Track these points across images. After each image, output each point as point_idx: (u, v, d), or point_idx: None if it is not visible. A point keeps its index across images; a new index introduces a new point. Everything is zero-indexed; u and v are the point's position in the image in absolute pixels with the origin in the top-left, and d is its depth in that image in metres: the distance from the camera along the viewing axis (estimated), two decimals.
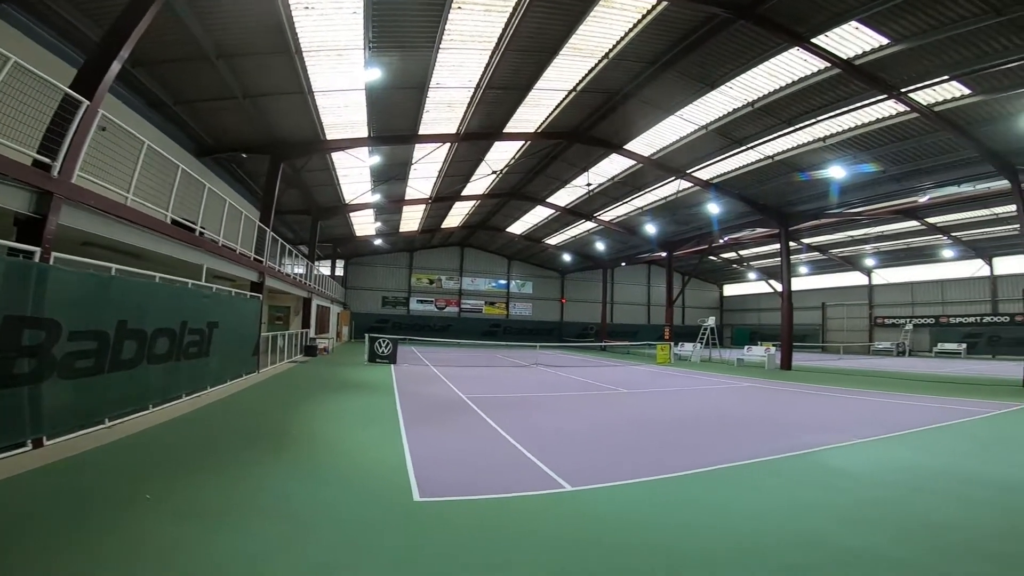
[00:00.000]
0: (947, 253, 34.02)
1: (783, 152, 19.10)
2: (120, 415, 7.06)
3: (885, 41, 12.49)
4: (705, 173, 22.15)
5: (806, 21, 12.31)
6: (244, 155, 19.03)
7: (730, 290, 56.29)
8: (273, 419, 7.96)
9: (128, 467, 5.08)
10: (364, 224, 34.42)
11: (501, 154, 23.26)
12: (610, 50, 14.53)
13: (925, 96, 14.10)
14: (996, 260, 33.43)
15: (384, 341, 18.92)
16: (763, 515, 4.25)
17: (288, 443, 6.36)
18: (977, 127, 14.70)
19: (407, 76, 15.02)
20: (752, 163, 20.50)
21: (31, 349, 5.36)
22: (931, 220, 28.42)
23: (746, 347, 26.67)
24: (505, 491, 4.68)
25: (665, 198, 26.25)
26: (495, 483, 4.94)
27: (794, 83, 14.89)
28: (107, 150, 7.69)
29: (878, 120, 15.89)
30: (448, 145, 21.10)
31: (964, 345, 33.33)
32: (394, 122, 18.31)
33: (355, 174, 23.58)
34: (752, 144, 18.67)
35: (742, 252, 34.94)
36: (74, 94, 6.61)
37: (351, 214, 30.25)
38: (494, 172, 25.01)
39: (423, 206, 30.63)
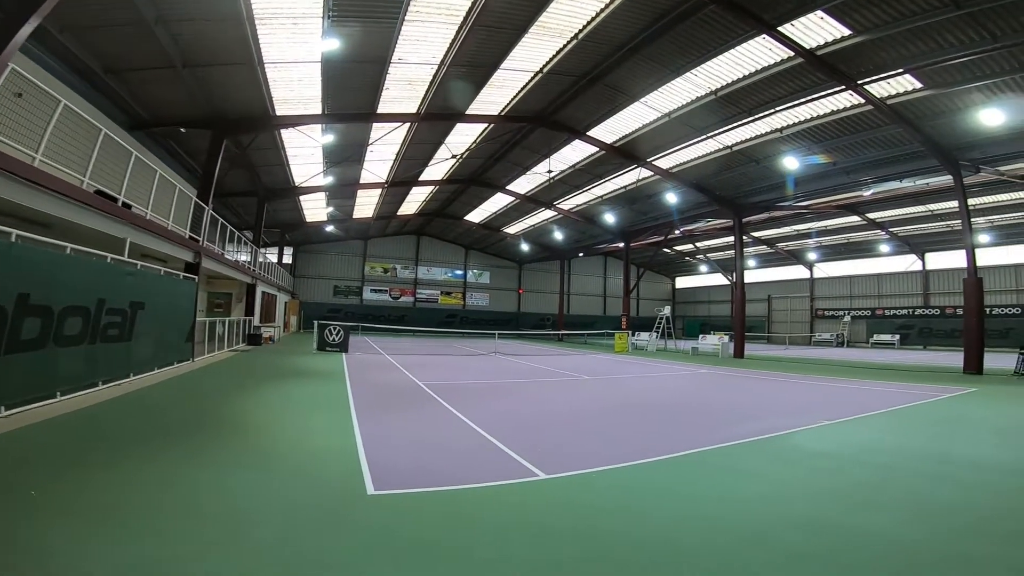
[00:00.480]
0: (884, 248, 35.94)
1: (741, 142, 19.34)
2: (19, 403, 6.03)
3: (847, 32, 12.66)
4: (665, 162, 22.21)
5: (774, 8, 12.29)
6: (183, 130, 17.49)
7: (682, 282, 57.68)
8: (206, 408, 7.08)
9: (17, 460, 4.20)
10: (315, 209, 32.71)
11: (462, 137, 22.47)
12: (580, 30, 14.09)
13: (879, 89, 14.47)
14: (928, 255, 35.61)
15: (335, 328, 17.88)
16: (759, 499, 3.95)
17: (221, 434, 5.57)
18: (926, 121, 15.25)
19: (368, 49, 14.03)
20: (711, 153, 20.68)
21: None
22: (871, 215, 29.84)
23: (700, 336, 27.21)
24: (473, 481, 4.14)
25: (625, 187, 26.25)
26: (461, 473, 4.40)
27: (757, 72, 14.97)
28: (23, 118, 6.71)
29: (833, 112, 16.26)
30: (407, 126, 20.15)
31: (898, 336, 35.37)
32: (351, 99, 17.20)
33: (306, 154, 22.18)
34: (712, 133, 18.78)
35: (696, 244, 35.67)
36: None
37: (301, 198, 28.58)
38: (454, 156, 24.19)
39: (379, 191, 29.39)
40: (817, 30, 12.90)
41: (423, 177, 27.70)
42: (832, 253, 40.02)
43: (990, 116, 14.05)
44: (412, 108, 18.61)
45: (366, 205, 33.23)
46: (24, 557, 2.60)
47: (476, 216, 37.91)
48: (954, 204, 25.97)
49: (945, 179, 20.21)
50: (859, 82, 14.15)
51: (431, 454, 5.02)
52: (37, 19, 7.40)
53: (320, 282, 43.34)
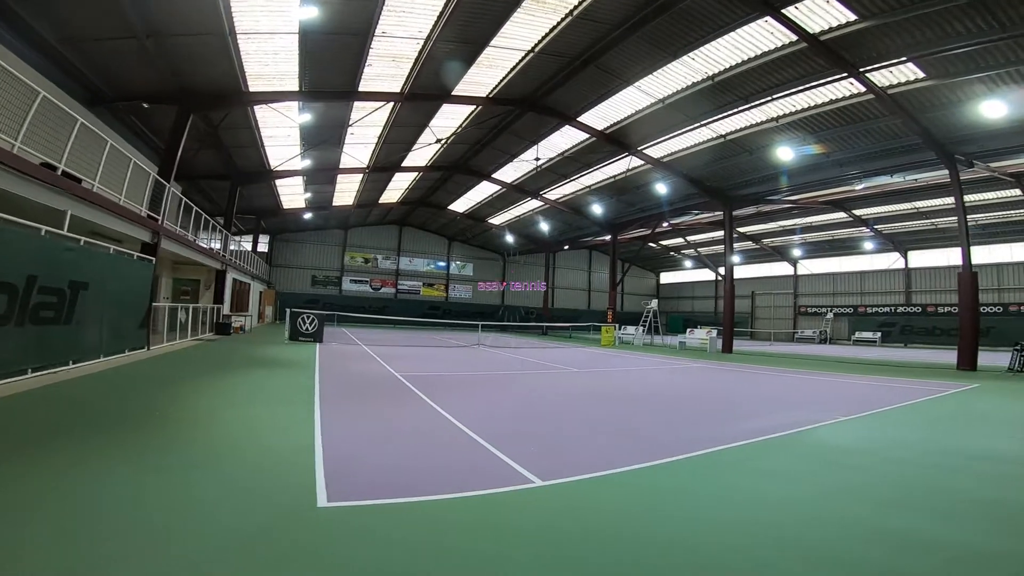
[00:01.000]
0: (867, 246, 36.03)
1: (736, 131, 18.78)
2: None
3: (853, 17, 12.15)
4: (657, 151, 21.59)
5: None
6: (146, 105, 16.24)
7: (666, 278, 57.54)
8: (140, 401, 6.15)
9: None
10: (293, 195, 31.35)
11: (448, 121, 21.53)
12: (576, 5, 13.33)
13: (880, 77, 14.00)
14: (911, 253, 35.79)
15: (308, 317, 16.85)
16: (790, 502, 3.38)
17: (148, 430, 4.69)
18: (925, 113, 14.84)
19: (349, 19, 13.03)
20: (704, 141, 20.10)
21: None
22: (858, 212, 29.73)
23: (688, 330, 26.78)
24: (454, 489, 3.38)
25: (614, 177, 25.58)
26: (439, 478, 3.62)
27: (757, 57, 14.37)
28: None
29: (831, 101, 15.78)
30: (391, 106, 19.14)
31: (879, 334, 35.51)
32: (330, 76, 16.17)
33: (282, 135, 21.02)
34: (707, 121, 18.20)
35: (684, 237, 35.35)
36: None
37: (277, 182, 27.28)
38: (439, 141, 23.20)
39: (360, 176, 28.25)
40: (822, 14, 12.35)
41: (406, 163, 26.64)
42: (816, 250, 40.09)
43: (991, 108, 13.71)
44: (396, 87, 17.63)
45: (346, 192, 32.03)
46: None
47: (460, 206, 36.95)
48: (940, 202, 26.18)
49: (936, 175, 20.12)
50: (861, 70, 13.65)
51: (403, 455, 4.23)
52: None
53: (298, 272, 41.96)
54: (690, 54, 14.80)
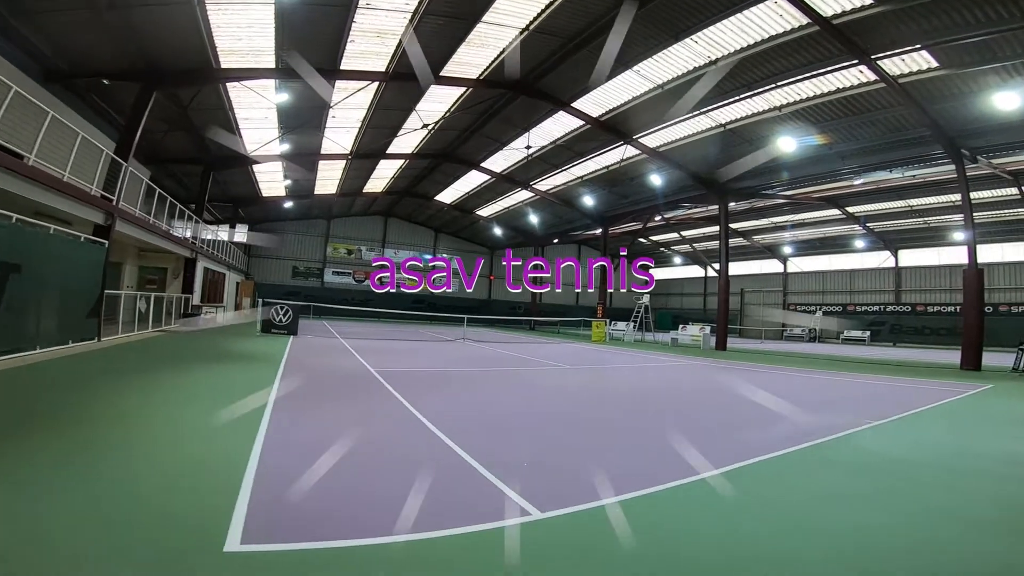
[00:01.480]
0: (858, 244, 35.73)
1: (736, 120, 18.04)
2: None
3: (869, 1, 11.45)
4: (653, 140, 20.81)
5: None
6: (106, 82, 15.10)
7: (655, 274, 57.00)
8: (57, 399, 5.15)
9: None
10: (272, 183, 29.99)
11: (435, 104, 20.49)
12: None
13: (892, 66, 13.33)
14: (901, 252, 35.54)
15: (282, 308, 15.78)
16: (875, 531, 2.67)
17: (48, 433, 3.73)
18: (935, 104, 14.23)
19: None
20: (703, 131, 19.36)
21: None
22: (851, 209, 29.30)
23: (680, 327, 26.13)
24: (424, 527, 2.48)
25: (608, 167, 24.75)
26: (405, 511, 2.68)
27: (765, 40, 13.63)
28: None
29: (838, 90, 15.10)
30: (375, 87, 18.08)
31: (868, 333, 35.25)
32: (310, 52, 15.00)
33: (259, 117, 19.83)
34: (707, 108, 17.44)
35: (678, 232, 34.75)
36: None
37: (255, 168, 25.95)
38: (426, 126, 22.15)
39: (343, 163, 27.08)
40: None
41: (391, 149, 25.53)
42: (806, 248, 39.76)
43: (1005, 100, 13.13)
44: (380, 66, 16.62)
45: (329, 180, 30.76)
46: None
47: (448, 196, 35.86)
48: (934, 200, 25.89)
49: (936, 171, 19.66)
50: (873, 57, 12.97)
51: (361, 476, 3.31)
52: None
53: (278, 262, 40.51)
54: (694, 36, 14.02)
